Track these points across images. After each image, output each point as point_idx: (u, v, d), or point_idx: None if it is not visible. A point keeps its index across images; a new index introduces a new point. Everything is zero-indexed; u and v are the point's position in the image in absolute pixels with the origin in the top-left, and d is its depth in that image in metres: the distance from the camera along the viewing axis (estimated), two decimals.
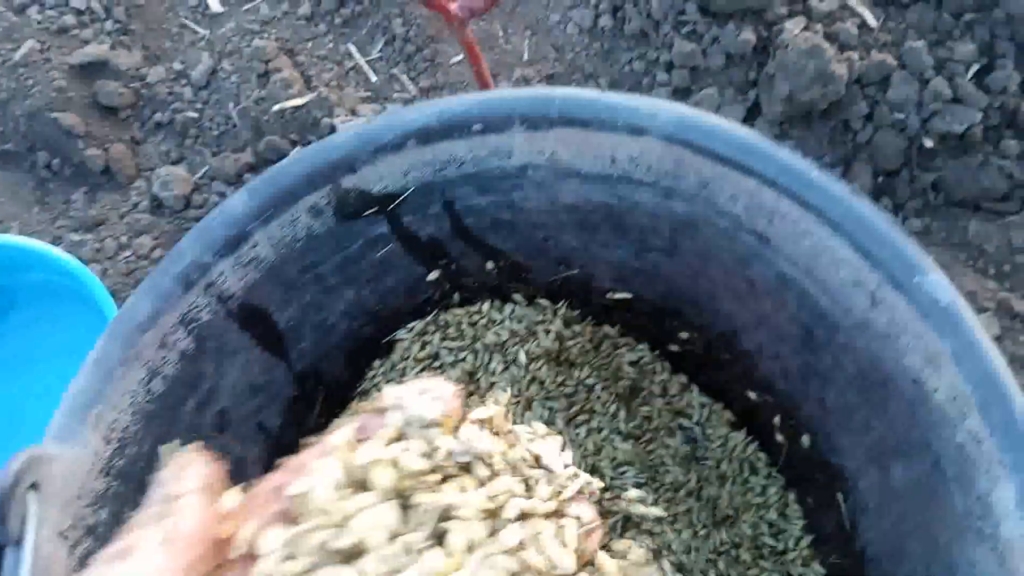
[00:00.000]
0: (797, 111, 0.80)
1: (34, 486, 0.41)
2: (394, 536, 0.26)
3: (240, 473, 0.58)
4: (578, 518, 0.30)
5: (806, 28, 0.81)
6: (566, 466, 0.32)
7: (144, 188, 0.87)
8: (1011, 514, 0.36)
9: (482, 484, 0.29)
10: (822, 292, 0.46)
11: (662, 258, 0.56)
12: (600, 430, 0.65)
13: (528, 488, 0.31)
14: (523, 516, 0.29)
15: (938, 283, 0.39)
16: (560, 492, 0.31)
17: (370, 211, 0.52)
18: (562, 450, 0.32)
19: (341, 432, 0.29)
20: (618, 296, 0.63)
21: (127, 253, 0.83)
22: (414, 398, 0.30)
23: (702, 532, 0.61)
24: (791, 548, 0.59)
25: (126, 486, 0.47)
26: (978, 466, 0.38)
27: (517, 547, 0.27)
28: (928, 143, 0.78)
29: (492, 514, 0.28)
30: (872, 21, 0.81)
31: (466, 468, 0.29)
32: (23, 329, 0.80)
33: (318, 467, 0.28)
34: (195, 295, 0.47)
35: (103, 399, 0.45)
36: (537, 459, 0.32)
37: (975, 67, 0.79)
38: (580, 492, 0.31)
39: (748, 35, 0.82)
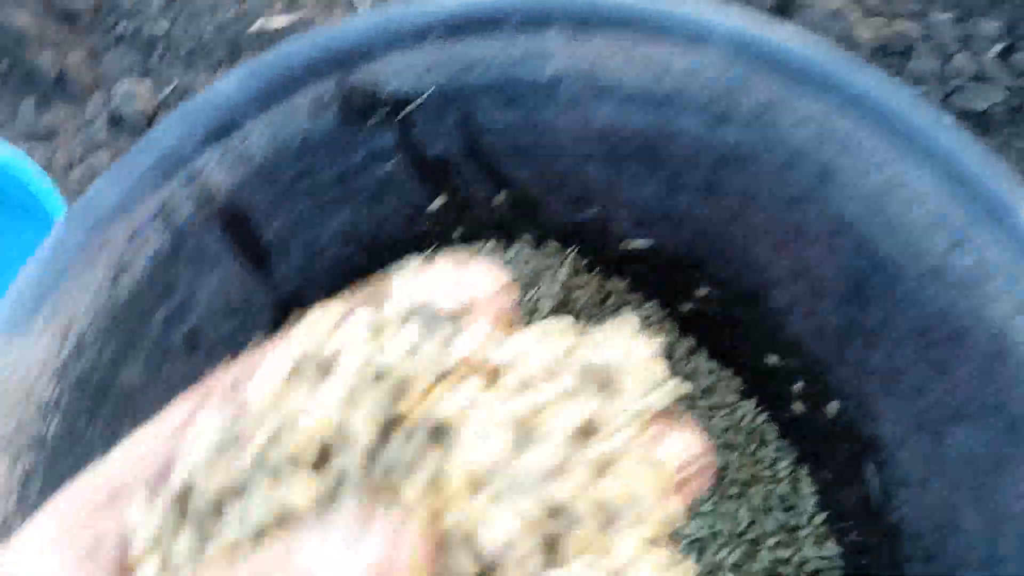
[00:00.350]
0: None
1: None
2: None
3: None
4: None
5: None
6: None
7: (102, 102, 0.79)
8: None
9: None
10: (889, 235, 0.41)
11: (695, 199, 0.51)
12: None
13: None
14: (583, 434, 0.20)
15: None
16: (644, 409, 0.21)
17: (378, 115, 0.45)
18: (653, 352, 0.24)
19: (316, 318, 0.21)
20: (635, 246, 0.58)
21: (80, 169, 0.75)
22: (433, 284, 0.22)
23: (708, 507, 0.57)
24: (803, 525, 0.55)
25: (83, 395, 0.40)
26: None
27: (560, 471, 0.19)
28: (948, 120, 0.75)
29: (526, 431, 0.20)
30: None
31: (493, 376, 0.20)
32: None
33: (273, 359, 0.20)
34: (175, 184, 0.40)
35: (59, 291, 0.38)
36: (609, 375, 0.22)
37: (999, 46, 0.76)
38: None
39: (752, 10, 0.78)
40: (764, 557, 0.55)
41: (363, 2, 0.82)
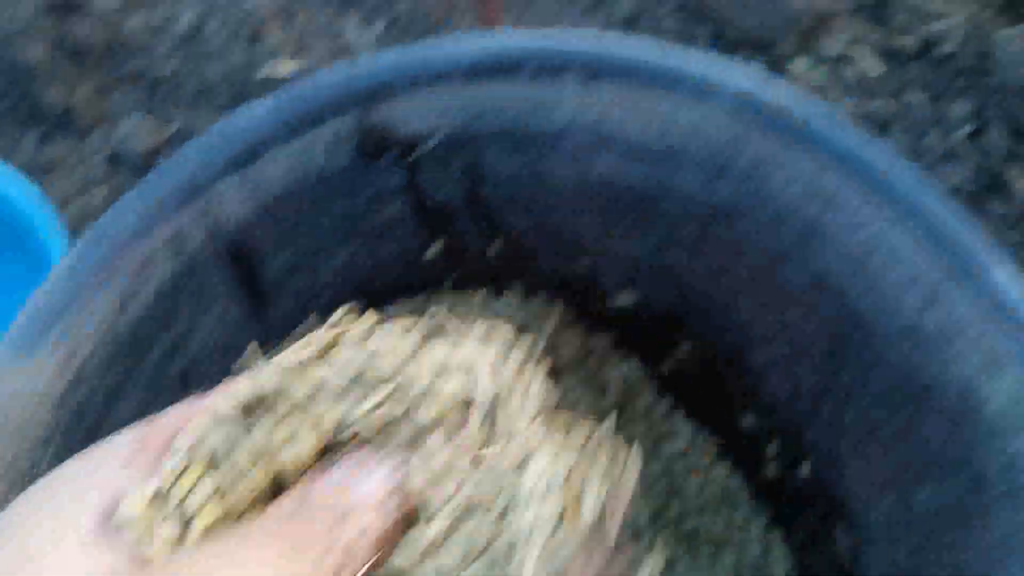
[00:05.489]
0: None
1: None
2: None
3: None
4: None
5: (812, 68, 0.82)
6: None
7: (105, 138, 0.81)
8: None
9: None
10: (867, 292, 0.43)
11: (685, 254, 0.53)
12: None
13: None
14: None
15: (1010, 278, 0.37)
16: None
17: (389, 156, 0.47)
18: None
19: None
20: (620, 303, 0.59)
21: (77, 204, 0.76)
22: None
23: (681, 569, 0.57)
24: None
25: (80, 425, 0.41)
26: None
27: None
28: None
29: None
30: (875, 70, 0.82)
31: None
32: None
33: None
34: (190, 213, 0.42)
35: (68, 315, 0.39)
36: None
37: (969, 127, 0.81)
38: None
39: (756, 66, 0.82)
40: None
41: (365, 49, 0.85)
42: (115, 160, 0.79)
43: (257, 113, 0.41)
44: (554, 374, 0.62)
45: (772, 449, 0.57)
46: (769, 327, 0.52)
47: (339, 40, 0.84)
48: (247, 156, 0.41)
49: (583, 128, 0.46)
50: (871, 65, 0.82)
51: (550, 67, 0.43)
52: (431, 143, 0.46)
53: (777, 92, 0.41)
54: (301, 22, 0.84)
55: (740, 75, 0.41)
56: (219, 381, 0.51)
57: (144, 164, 0.79)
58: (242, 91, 0.82)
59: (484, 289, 0.62)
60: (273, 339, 0.53)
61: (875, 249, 0.42)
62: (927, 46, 0.85)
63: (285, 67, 0.80)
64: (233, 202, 0.42)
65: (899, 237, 0.40)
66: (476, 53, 0.42)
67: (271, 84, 0.81)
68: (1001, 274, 0.37)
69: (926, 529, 0.44)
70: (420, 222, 0.54)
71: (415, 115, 0.45)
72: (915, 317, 0.41)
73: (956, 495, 0.41)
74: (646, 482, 0.61)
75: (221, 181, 0.41)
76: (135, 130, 0.79)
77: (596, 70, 0.42)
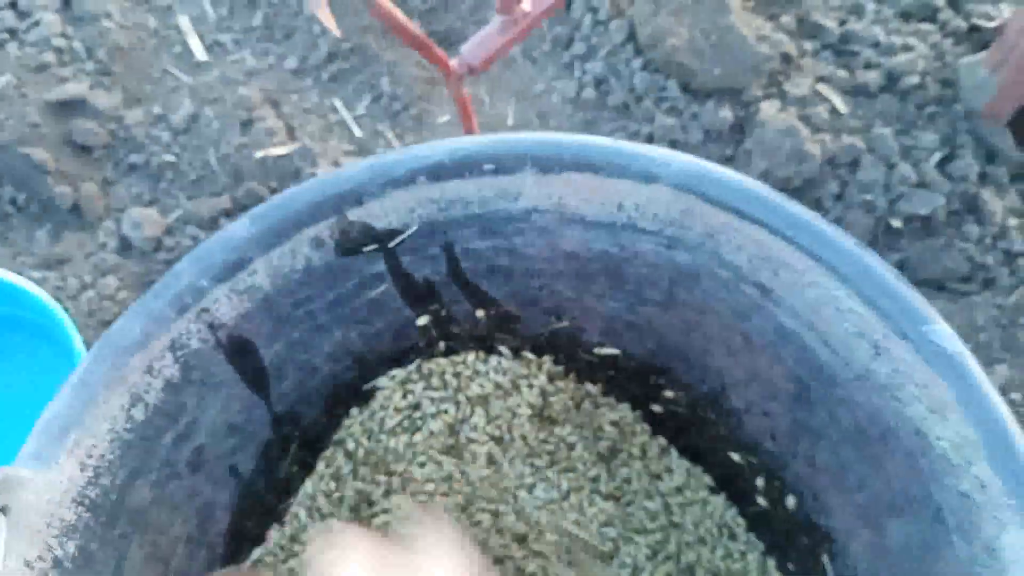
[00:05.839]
0: (772, 187, 0.82)
1: (3, 510, 0.38)
2: None
3: (207, 519, 0.56)
4: None
5: (781, 110, 0.85)
6: None
7: (113, 228, 0.85)
8: (1020, 560, 0.36)
9: None
10: (822, 344, 0.46)
11: (656, 312, 0.56)
12: (581, 489, 0.63)
13: None
14: None
15: (944, 333, 0.40)
16: None
17: (370, 247, 0.51)
18: None
19: None
20: (605, 352, 0.63)
21: (90, 293, 0.80)
22: None
23: None
24: None
25: (96, 518, 0.44)
26: (984, 513, 0.38)
27: None
28: (895, 223, 0.82)
29: None
30: (842, 107, 0.85)
31: None
32: None
33: None
34: (187, 320, 0.46)
35: (82, 422, 0.43)
36: None
37: (938, 155, 0.84)
38: None
39: (726, 113, 0.85)
40: None
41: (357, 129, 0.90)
42: (124, 248, 0.83)
43: (242, 224, 0.45)
44: (550, 423, 0.66)
45: (760, 484, 0.60)
46: (742, 374, 0.55)
47: (329, 118, 0.89)
48: (236, 264, 0.45)
49: (545, 210, 0.50)
50: (838, 103, 0.85)
51: (507, 164, 0.46)
52: (406, 234, 0.50)
53: (716, 173, 0.44)
54: (291, 105, 0.89)
55: (679, 160, 0.45)
56: (230, 455, 0.55)
57: (152, 250, 0.83)
58: (240, 173, 0.86)
59: (474, 353, 0.65)
60: (280, 408, 0.57)
61: (823, 306, 0.45)
62: (892, 79, 0.88)
63: (279, 149, 0.84)
64: (226, 306, 0.46)
65: (844, 296, 0.43)
66: (439, 157, 0.46)
67: (268, 163, 0.85)
68: (937, 328, 0.40)
69: (899, 560, 0.46)
70: (408, 299, 0.57)
71: (389, 212, 0.48)
72: (867, 366, 0.44)
73: (921, 528, 0.44)
74: (648, 515, 0.64)
75: (213, 290, 0.45)
76: (141, 219, 0.83)
77: (548, 164, 0.46)
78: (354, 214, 0.48)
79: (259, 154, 0.85)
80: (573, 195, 0.49)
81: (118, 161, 0.89)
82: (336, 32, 0.59)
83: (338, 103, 0.90)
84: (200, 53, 0.94)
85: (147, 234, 0.83)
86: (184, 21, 0.95)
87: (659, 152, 0.45)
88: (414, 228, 0.50)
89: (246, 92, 0.88)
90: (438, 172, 0.47)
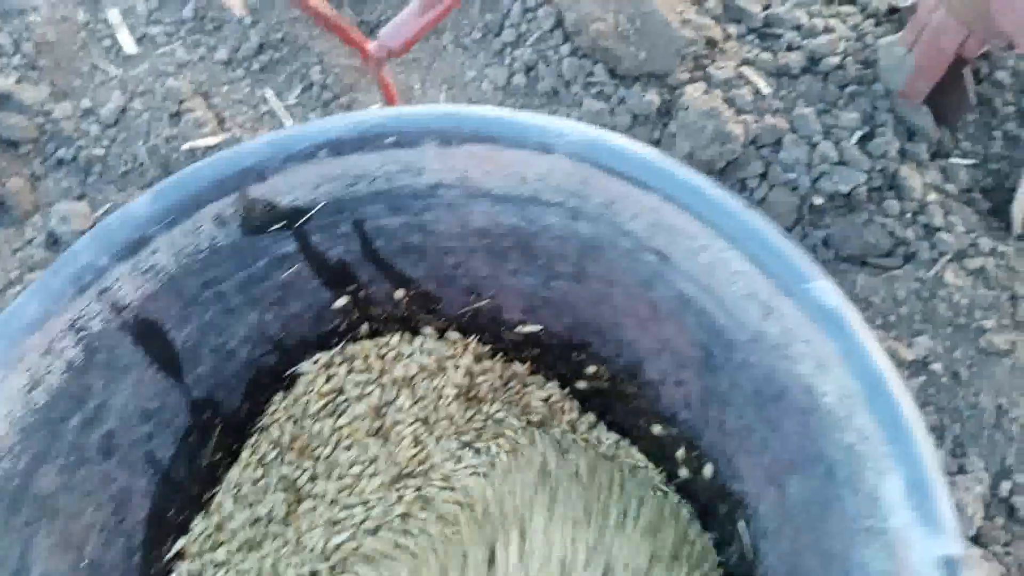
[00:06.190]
0: (698, 169, 0.84)
1: None
2: None
3: (124, 507, 0.55)
4: None
5: (705, 92, 0.86)
6: None
7: (41, 224, 0.84)
8: (897, 505, 0.37)
9: None
10: (719, 308, 0.47)
11: (569, 285, 0.57)
12: (511, 451, 0.63)
13: None
14: None
15: (825, 288, 0.41)
16: None
17: (277, 226, 0.51)
18: None
19: None
20: (527, 330, 0.63)
21: (17, 289, 0.79)
22: None
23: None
24: None
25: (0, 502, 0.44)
26: (866, 463, 0.39)
27: None
28: (818, 201, 0.83)
29: None
30: (765, 88, 0.87)
31: None
32: None
33: None
34: (87, 300, 0.45)
35: None
36: None
37: (858, 133, 0.85)
38: None
39: (652, 97, 0.86)
40: None
41: (289, 119, 0.89)
42: (52, 243, 0.83)
43: (140, 204, 0.45)
44: (477, 402, 0.66)
45: (680, 454, 0.61)
46: (653, 344, 0.56)
47: (260, 108, 0.89)
48: (136, 243, 0.45)
49: (451, 184, 0.50)
50: (762, 85, 0.86)
51: (407, 137, 0.47)
52: (312, 212, 0.50)
53: (610, 140, 0.45)
54: (222, 96, 0.89)
55: (574, 130, 0.45)
56: (145, 441, 0.54)
57: None
58: (169, 165, 0.86)
59: (399, 334, 0.66)
60: (197, 394, 0.57)
61: (716, 269, 0.46)
62: (814, 61, 0.90)
63: (210, 139, 0.84)
64: (129, 286, 0.46)
65: (734, 258, 0.44)
66: (339, 131, 0.46)
67: (197, 155, 0.85)
68: (819, 284, 0.41)
69: (800, 519, 0.47)
70: (323, 279, 0.58)
71: (293, 189, 0.49)
72: (759, 326, 0.45)
73: (816, 485, 0.45)
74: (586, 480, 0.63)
75: (113, 269, 0.44)
76: (69, 213, 0.82)
77: (448, 136, 0.46)
78: (257, 190, 0.48)
79: (187, 145, 0.84)
80: (476, 168, 0.49)
81: (46, 156, 0.88)
82: (238, 13, 0.59)
83: (269, 93, 0.90)
84: (129, 46, 0.93)
85: (75, 228, 0.83)
86: (114, 14, 0.95)
87: (555, 122, 0.46)
88: (320, 205, 0.51)
89: (176, 84, 0.88)
90: (339, 146, 0.48)
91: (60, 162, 0.88)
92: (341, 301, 0.60)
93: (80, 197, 0.86)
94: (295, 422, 0.64)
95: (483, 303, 0.62)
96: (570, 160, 0.47)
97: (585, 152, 0.47)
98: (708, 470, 0.58)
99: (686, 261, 0.47)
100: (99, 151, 0.88)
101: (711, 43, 0.89)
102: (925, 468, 0.37)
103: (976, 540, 0.73)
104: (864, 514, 0.40)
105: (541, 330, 0.63)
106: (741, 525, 0.56)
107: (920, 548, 0.36)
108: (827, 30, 0.91)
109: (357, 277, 0.58)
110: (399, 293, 0.61)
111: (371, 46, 0.67)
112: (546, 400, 0.68)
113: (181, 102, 0.88)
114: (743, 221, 0.43)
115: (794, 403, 0.45)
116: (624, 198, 0.47)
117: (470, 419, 0.65)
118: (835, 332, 0.41)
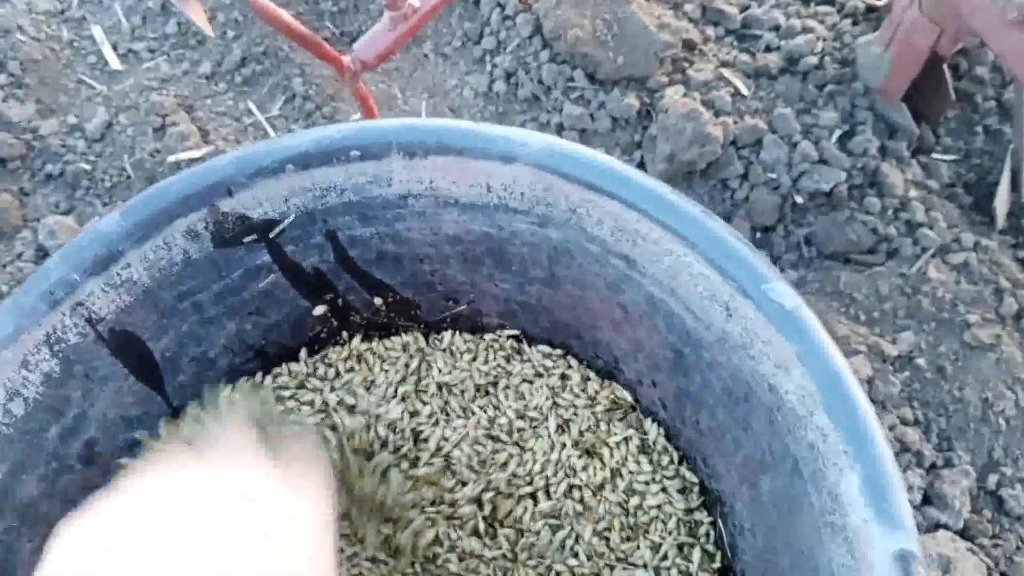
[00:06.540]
0: (679, 170, 0.84)
1: None
2: None
3: None
4: None
5: (685, 95, 0.87)
6: None
7: (30, 238, 0.85)
8: (855, 502, 0.38)
9: None
10: (685, 310, 0.48)
11: (544, 290, 0.57)
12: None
13: None
14: None
15: (782, 290, 0.41)
16: None
17: (250, 238, 0.52)
18: None
19: None
20: (507, 333, 0.64)
21: None
22: None
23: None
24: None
25: None
26: (827, 461, 0.40)
27: None
28: (799, 200, 0.84)
29: None
30: (744, 90, 0.88)
31: None
32: None
33: None
34: (61, 314, 0.46)
35: None
36: None
37: (838, 132, 0.86)
38: None
39: (632, 101, 0.87)
40: None
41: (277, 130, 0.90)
42: (41, 257, 0.84)
43: (112, 219, 0.45)
44: (464, 399, 0.66)
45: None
46: (628, 346, 0.57)
47: (243, 120, 0.89)
48: (108, 257, 0.46)
49: (420, 194, 0.51)
50: (741, 86, 0.87)
51: (373, 149, 0.48)
52: (284, 224, 0.51)
53: (569, 150, 0.46)
54: (205, 109, 0.89)
55: (536, 140, 0.46)
56: (128, 449, 0.55)
57: None
58: (155, 178, 0.87)
59: (379, 338, 0.66)
60: (179, 401, 0.57)
61: (679, 272, 0.46)
62: (792, 61, 0.90)
63: (195, 152, 0.85)
64: (102, 300, 0.47)
65: (694, 261, 0.45)
66: (306, 146, 0.47)
67: (182, 167, 0.86)
68: (776, 286, 0.42)
69: (772, 517, 0.48)
70: (300, 289, 0.58)
71: (264, 201, 0.49)
72: (723, 327, 0.46)
73: (785, 482, 0.45)
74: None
75: (86, 284, 0.45)
76: (57, 227, 0.83)
77: (412, 148, 0.47)
78: (226, 205, 0.49)
79: (172, 158, 0.85)
80: (442, 178, 0.50)
81: (34, 171, 0.89)
82: (208, 32, 0.60)
83: (252, 105, 0.90)
84: (114, 62, 0.94)
85: (63, 241, 0.84)
86: (98, 31, 0.96)
87: (516, 132, 0.47)
88: (291, 217, 0.51)
89: (159, 99, 0.89)
90: (306, 160, 0.48)
91: (48, 177, 0.89)
92: (319, 309, 0.60)
93: (68, 211, 0.87)
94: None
95: (461, 308, 0.63)
96: (532, 169, 0.47)
97: (546, 161, 0.47)
98: (685, 469, 0.59)
99: (651, 265, 0.48)
100: (86, 166, 0.89)
101: (689, 46, 0.90)
102: (881, 466, 0.37)
103: (963, 533, 0.73)
104: (828, 510, 0.41)
105: (520, 334, 0.64)
106: (720, 523, 0.56)
107: (878, 544, 0.36)
108: (805, 30, 0.92)
109: (334, 286, 0.59)
110: (378, 300, 0.61)
111: (345, 60, 0.68)
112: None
113: (165, 116, 0.89)
114: (701, 226, 0.44)
115: (761, 401, 0.45)
116: (587, 205, 0.48)
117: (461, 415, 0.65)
118: (793, 334, 0.41)
